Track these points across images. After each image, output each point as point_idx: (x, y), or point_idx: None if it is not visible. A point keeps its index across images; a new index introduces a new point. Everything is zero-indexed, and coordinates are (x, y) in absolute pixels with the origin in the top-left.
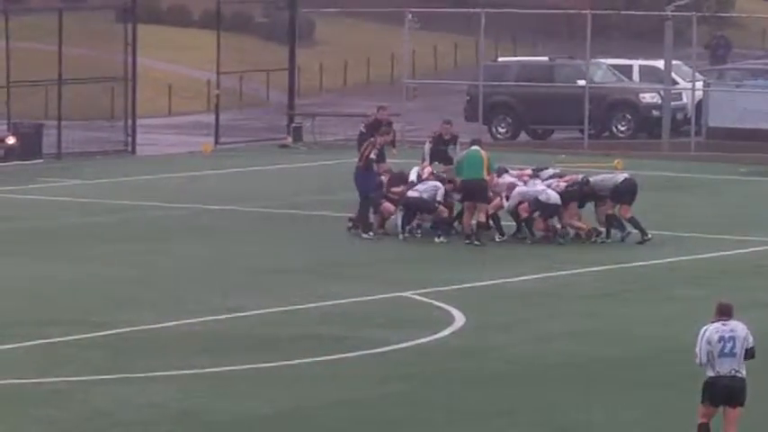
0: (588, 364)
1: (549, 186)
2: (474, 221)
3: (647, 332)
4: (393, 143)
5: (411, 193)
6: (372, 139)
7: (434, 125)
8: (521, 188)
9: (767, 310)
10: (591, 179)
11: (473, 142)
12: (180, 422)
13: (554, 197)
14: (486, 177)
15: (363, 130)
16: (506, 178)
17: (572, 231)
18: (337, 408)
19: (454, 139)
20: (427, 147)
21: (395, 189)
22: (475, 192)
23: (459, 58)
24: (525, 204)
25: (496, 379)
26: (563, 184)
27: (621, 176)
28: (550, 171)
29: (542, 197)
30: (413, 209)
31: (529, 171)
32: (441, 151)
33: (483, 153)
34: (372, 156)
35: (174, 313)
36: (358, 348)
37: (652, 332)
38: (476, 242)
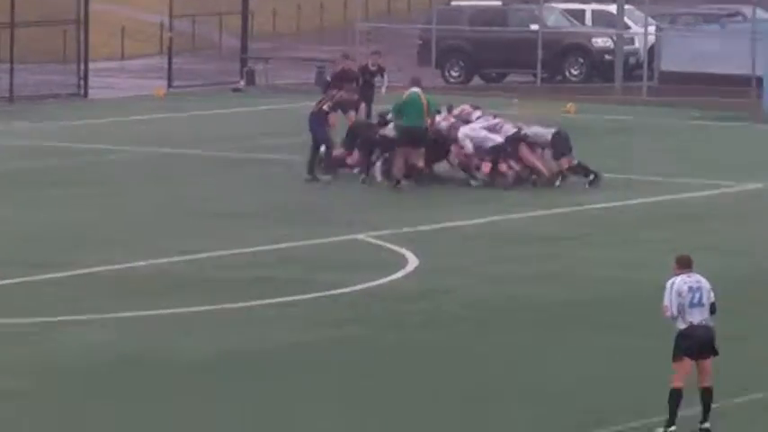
0: (545, 307)
1: (494, 129)
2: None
3: (605, 275)
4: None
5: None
6: (335, 92)
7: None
8: (464, 129)
9: (719, 253)
10: (526, 131)
11: (413, 82)
12: (135, 363)
13: (498, 139)
14: (427, 122)
15: (329, 79)
16: (449, 120)
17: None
18: (291, 350)
19: (381, 71)
20: None
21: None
22: (416, 139)
23: (413, 1)
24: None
25: (451, 321)
26: (510, 128)
27: (551, 131)
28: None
29: (490, 144)
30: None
31: (468, 108)
32: (365, 81)
33: (423, 96)
34: (325, 108)
35: (129, 256)
36: (312, 291)
37: (610, 275)
38: (396, 184)
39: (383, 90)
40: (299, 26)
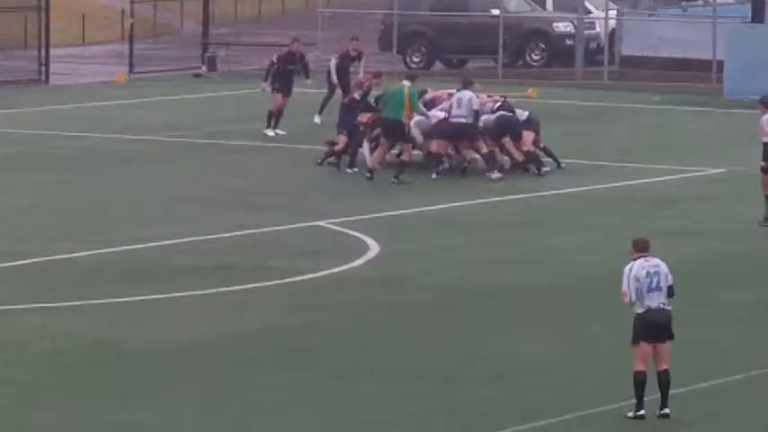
0: (505, 293)
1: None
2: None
3: (564, 260)
4: (306, 73)
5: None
6: (363, 80)
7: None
8: (413, 120)
9: (678, 237)
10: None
11: (407, 76)
12: (95, 351)
13: (441, 115)
14: (405, 116)
15: (275, 60)
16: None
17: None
18: (251, 337)
19: (360, 56)
20: (333, 62)
21: (361, 119)
22: (391, 131)
23: None
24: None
25: (411, 307)
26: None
27: (495, 114)
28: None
29: (434, 121)
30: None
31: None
32: (346, 67)
33: (407, 90)
34: (357, 96)
35: (90, 243)
36: (272, 278)
37: (569, 260)
38: (393, 179)
39: (360, 74)
40: (260, 11)
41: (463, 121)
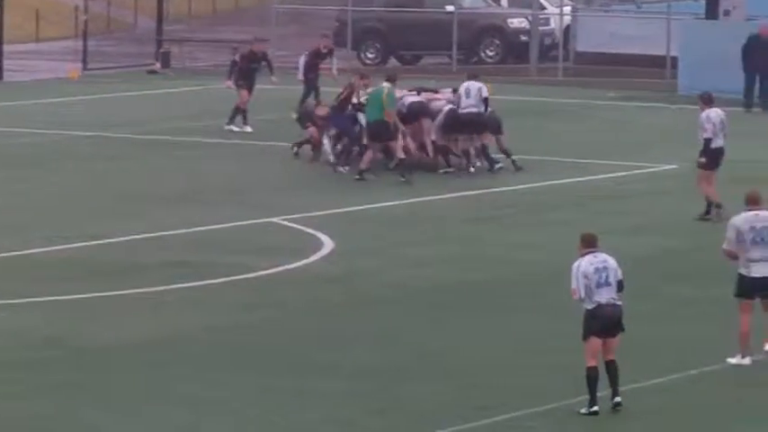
0: (456, 289)
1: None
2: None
3: (517, 257)
4: (271, 70)
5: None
6: (353, 81)
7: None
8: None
9: (631, 233)
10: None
11: (387, 78)
12: (44, 349)
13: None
14: (387, 115)
15: (237, 59)
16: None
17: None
18: (204, 334)
19: (330, 52)
20: (302, 59)
21: (319, 113)
22: (378, 133)
23: None
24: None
25: (364, 304)
26: (409, 99)
27: (449, 106)
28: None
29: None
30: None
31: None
32: (316, 64)
33: (386, 91)
34: (354, 99)
35: (41, 240)
36: (225, 275)
37: (522, 257)
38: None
39: (334, 70)
40: (215, 8)
41: (474, 110)
